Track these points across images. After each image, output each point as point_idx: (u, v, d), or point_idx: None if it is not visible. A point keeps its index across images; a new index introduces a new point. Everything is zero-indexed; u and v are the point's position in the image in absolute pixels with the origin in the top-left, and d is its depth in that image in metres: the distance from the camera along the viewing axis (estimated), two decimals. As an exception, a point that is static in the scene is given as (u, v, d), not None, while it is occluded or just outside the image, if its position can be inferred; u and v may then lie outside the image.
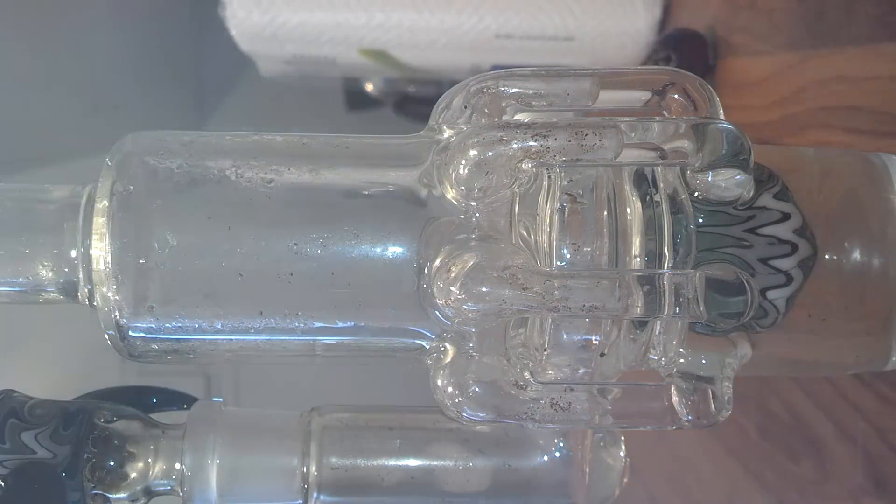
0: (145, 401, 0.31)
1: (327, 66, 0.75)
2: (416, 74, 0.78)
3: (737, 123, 0.24)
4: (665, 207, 0.24)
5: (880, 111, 0.33)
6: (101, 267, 0.24)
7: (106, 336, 0.25)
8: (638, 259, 0.24)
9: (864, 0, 0.36)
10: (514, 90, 0.25)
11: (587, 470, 0.29)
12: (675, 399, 0.24)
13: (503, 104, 0.25)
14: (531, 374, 0.24)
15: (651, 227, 0.23)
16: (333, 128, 0.27)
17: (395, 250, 0.24)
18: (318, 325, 0.24)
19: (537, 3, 0.65)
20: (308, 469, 0.29)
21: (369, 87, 1.24)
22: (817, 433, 0.39)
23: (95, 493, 0.28)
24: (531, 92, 0.25)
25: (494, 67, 0.70)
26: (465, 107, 0.25)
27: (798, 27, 0.45)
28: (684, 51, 0.57)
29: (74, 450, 0.27)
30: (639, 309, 0.22)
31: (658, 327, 0.24)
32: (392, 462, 0.30)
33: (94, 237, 0.24)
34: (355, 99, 1.31)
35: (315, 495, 0.29)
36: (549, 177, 0.24)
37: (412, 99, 1.27)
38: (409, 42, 0.69)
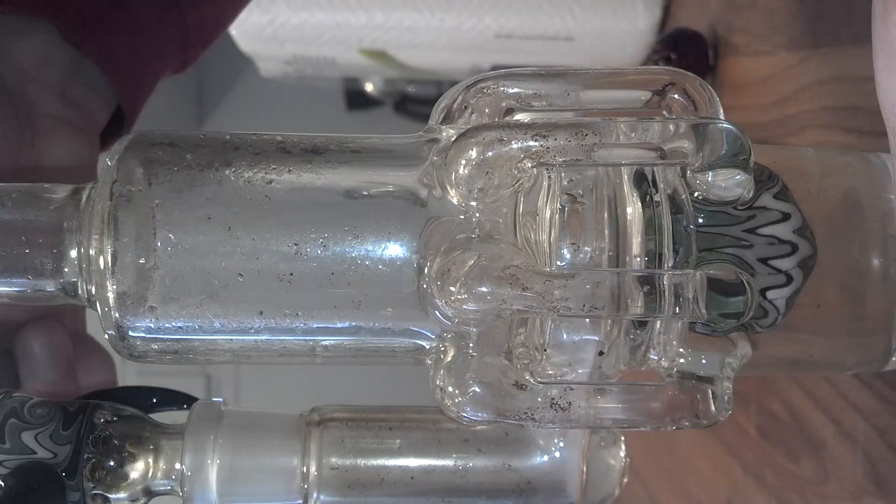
0: (145, 401, 0.31)
1: (327, 66, 0.75)
2: (416, 74, 0.78)
3: (737, 123, 0.24)
4: (665, 207, 0.24)
5: (880, 111, 0.33)
6: (101, 267, 0.24)
7: (106, 336, 0.25)
8: (638, 259, 0.23)
9: (864, 0, 0.36)
10: (514, 90, 0.25)
11: (585, 470, 0.29)
12: (674, 399, 0.24)
13: (503, 104, 0.25)
14: (531, 374, 0.24)
15: (651, 227, 0.23)
16: (333, 128, 0.27)
17: (395, 250, 0.24)
18: (317, 325, 0.24)
19: (537, 3, 0.65)
20: (308, 469, 0.29)
21: (369, 87, 1.24)
22: (817, 433, 0.39)
23: (95, 494, 0.28)
24: (531, 92, 0.24)
25: (494, 67, 0.70)
26: (465, 107, 0.25)
27: (798, 27, 0.45)
28: (684, 51, 0.57)
29: (74, 450, 0.27)
30: (639, 309, 0.22)
31: (658, 327, 0.24)
32: (392, 462, 0.30)
33: (94, 237, 0.24)
34: (355, 99, 1.31)
35: (315, 495, 0.29)
36: (550, 177, 0.24)
37: (412, 99, 1.27)
38: (409, 42, 0.69)
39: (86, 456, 0.27)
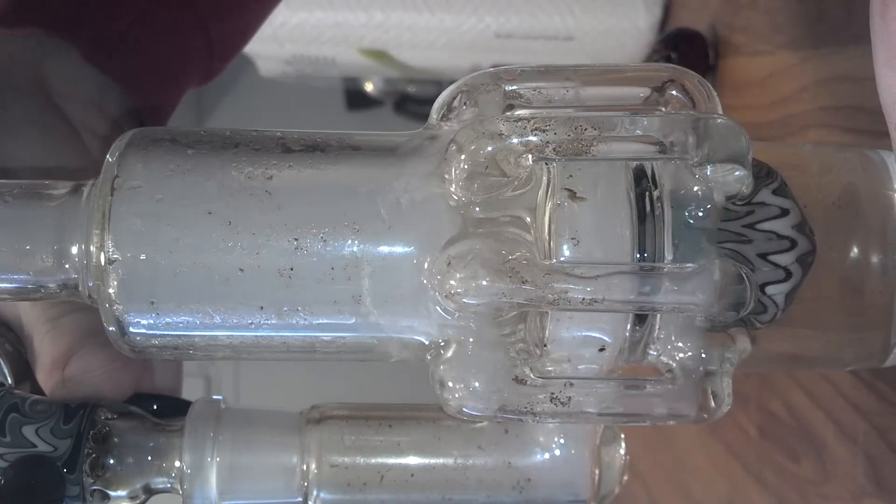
0: (146, 407, 0.30)
1: (327, 66, 0.75)
2: (416, 74, 0.78)
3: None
4: (665, 202, 0.24)
5: (880, 111, 0.33)
6: (102, 263, 0.24)
7: (107, 332, 0.25)
8: (638, 254, 0.24)
9: (864, 0, 0.36)
10: (514, 86, 0.25)
11: (597, 471, 0.29)
12: (674, 394, 0.24)
13: (503, 100, 0.25)
14: (531, 368, 0.24)
15: (650, 222, 0.24)
16: (333, 127, 0.27)
17: (395, 245, 0.24)
18: (317, 320, 0.24)
19: (537, 2, 0.66)
20: (308, 467, 0.29)
21: (369, 87, 1.24)
22: (817, 433, 0.39)
23: (95, 489, 0.28)
24: (531, 88, 0.25)
25: (494, 67, 0.70)
26: (465, 103, 0.25)
27: (799, 27, 0.45)
28: (685, 50, 0.57)
29: (75, 444, 0.27)
30: (639, 304, 0.22)
31: (657, 322, 0.24)
32: (392, 460, 0.30)
33: (95, 233, 0.24)
34: (355, 99, 1.31)
35: (315, 493, 0.29)
36: (549, 171, 0.24)
37: (412, 99, 1.27)
38: (409, 42, 0.69)
39: (86, 451, 0.27)
